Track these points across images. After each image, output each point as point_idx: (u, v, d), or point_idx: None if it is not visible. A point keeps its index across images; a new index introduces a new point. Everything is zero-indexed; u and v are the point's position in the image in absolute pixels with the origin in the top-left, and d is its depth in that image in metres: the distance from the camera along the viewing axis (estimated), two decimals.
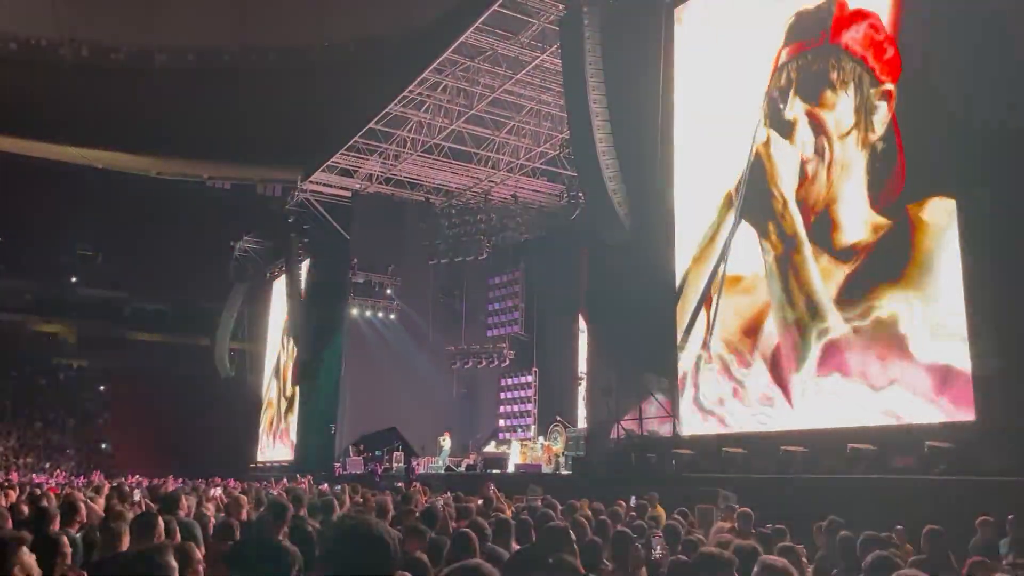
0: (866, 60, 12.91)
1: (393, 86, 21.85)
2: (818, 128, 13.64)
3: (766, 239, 13.87)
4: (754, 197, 14.33)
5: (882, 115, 12.37)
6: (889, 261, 11.60)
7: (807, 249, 13.11)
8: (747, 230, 14.30)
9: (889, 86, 12.36)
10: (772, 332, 13.16)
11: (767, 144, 14.38)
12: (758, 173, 14.41)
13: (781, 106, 14.33)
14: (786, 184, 13.93)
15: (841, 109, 13.23)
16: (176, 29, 35.30)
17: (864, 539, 5.39)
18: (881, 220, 11.92)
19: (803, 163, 13.75)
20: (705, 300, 14.55)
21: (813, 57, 13.84)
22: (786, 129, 14.14)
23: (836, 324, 12.08)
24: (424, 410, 25.12)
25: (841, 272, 12.41)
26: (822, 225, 12.95)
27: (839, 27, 13.55)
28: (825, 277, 12.66)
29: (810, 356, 12.34)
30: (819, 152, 13.54)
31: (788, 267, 13.35)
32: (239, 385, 36.94)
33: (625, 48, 15.88)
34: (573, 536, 4.63)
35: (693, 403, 14.40)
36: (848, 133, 13.00)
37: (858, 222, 12.33)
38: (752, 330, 13.54)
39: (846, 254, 12.37)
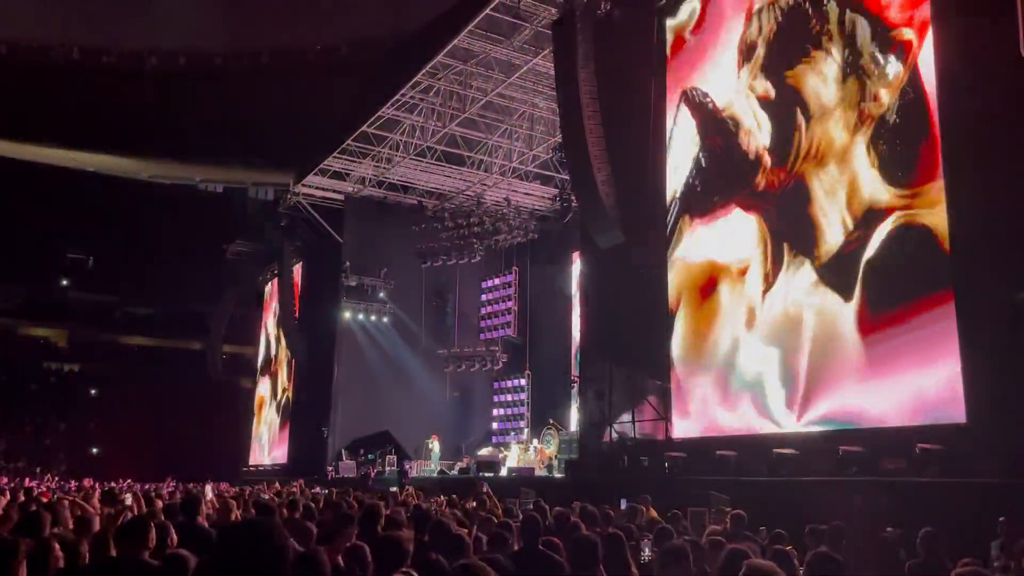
0: (868, 2, 11.09)
1: (386, 89, 21.84)
2: (791, 98, 12.46)
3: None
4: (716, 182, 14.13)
5: (893, 76, 10.81)
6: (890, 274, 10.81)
7: (779, 257, 12.58)
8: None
9: (909, 33, 10.62)
10: (757, 336, 13.13)
11: (728, 120, 13.74)
12: (717, 156, 14.14)
13: (746, 67, 13.28)
14: (745, 171, 13.35)
15: (825, 71, 11.72)
16: (167, 31, 35.22)
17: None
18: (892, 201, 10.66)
19: (766, 148, 13.01)
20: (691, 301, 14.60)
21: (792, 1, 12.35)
22: (751, 99, 13.35)
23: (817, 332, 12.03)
24: (417, 413, 25.09)
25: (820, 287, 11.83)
26: (799, 229, 12.24)
27: None
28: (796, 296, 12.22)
29: (798, 364, 12.34)
30: (786, 134, 12.55)
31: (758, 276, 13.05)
32: (231, 389, 36.82)
33: (617, 51, 15.90)
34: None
35: (686, 405, 14.41)
36: (831, 107, 11.64)
37: (850, 224, 11.38)
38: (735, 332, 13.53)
39: (831, 266, 11.66)
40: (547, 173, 24.68)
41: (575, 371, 23.01)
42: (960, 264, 10.12)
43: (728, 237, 13.81)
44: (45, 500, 9.37)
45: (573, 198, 20.84)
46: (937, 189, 10.36)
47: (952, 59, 10.50)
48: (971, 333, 9.86)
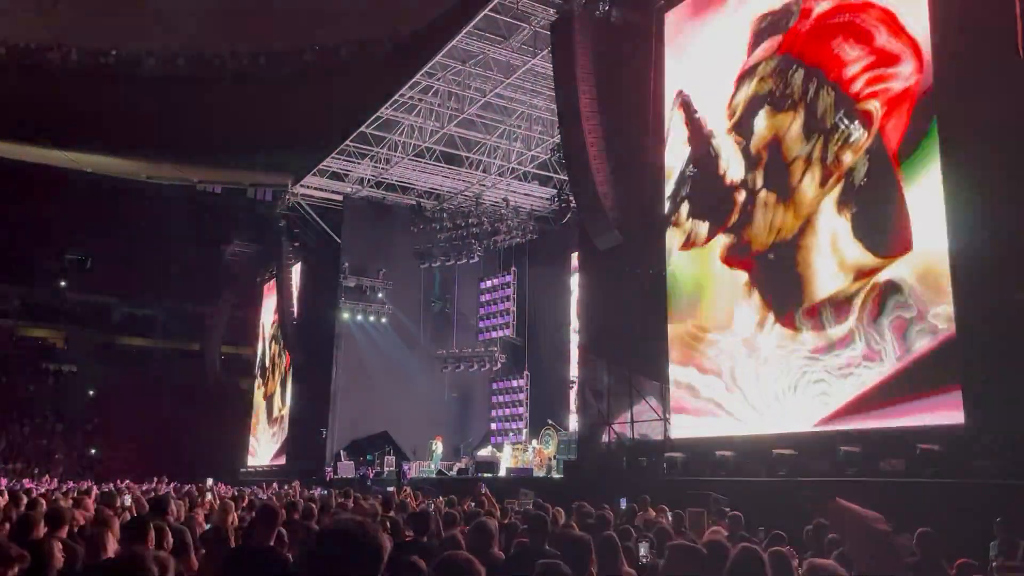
0: (829, 72, 12.01)
1: (384, 90, 21.85)
2: (759, 158, 13.18)
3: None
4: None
5: (857, 135, 11.56)
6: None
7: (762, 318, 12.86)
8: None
9: (871, 104, 11.42)
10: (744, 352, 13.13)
11: (711, 142, 14.24)
12: (701, 171, 14.54)
13: (725, 130, 14.01)
14: (723, 201, 13.79)
15: (791, 135, 12.55)
16: (166, 33, 35.22)
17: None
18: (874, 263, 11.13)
19: (740, 186, 13.48)
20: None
21: (768, 70, 13.29)
22: (725, 157, 13.91)
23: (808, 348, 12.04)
24: (416, 414, 25.09)
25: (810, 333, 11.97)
26: (783, 278, 12.55)
27: (798, 32, 12.70)
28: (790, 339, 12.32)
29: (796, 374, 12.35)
30: (752, 189, 13.17)
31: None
32: (229, 390, 36.79)
33: (616, 52, 15.91)
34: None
35: (684, 406, 14.40)
36: (801, 166, 12.28)
37: (838, 273, 11.65)
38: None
39: (821, 317, 11.81)
40: (546, 174, 24.69)
41: (573, 372, 23.03)
42: (959, 264, 10.14)
43: (712, 288, 14.00)
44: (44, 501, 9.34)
45: (572, 199, 20.85)
46: (916, 254, 10.67)
47: (951, 59, 10.54)
48: (969, 334, 9.88)
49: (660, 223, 15.32)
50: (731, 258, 13.66)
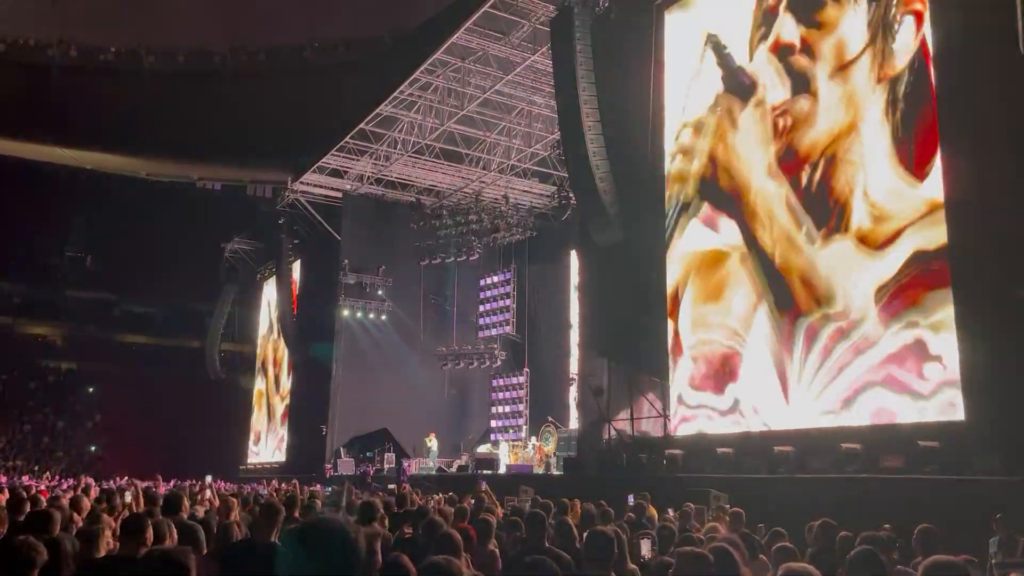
0: None
1: (384, 87, 21.83)
2: (809, 59, 12.52)
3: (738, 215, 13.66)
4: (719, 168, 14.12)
5: (905, 40, 11.05)
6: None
7: (802, 228, 12.36)
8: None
9: (917, 4, 11.01)
10: (760, 323, 13.07)
11: (748, 78, 13.71)
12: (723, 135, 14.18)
13: (762, 36, 13.41)
14: (759, 144, 13.34)
15: (846, 28, 11.90)
16: (166, 30, 35.19)
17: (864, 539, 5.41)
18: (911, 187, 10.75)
19: (782, 112, 12.93)
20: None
21: None
22: (761, 83, 13.36)
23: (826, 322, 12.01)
24: (415, 411, 25.08)
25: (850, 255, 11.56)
26: (820, 198, 12.09)
27: None
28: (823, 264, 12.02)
29: (800, 354, 12.34)
30: (804, 93, 12.50)
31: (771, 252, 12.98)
32: (229, 387, 36.80)
33: (615, 48, 15.90)
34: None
35: (685, 403, 14.41)
36: (854, 61, 11.67)
37: (879, 193, 11.19)
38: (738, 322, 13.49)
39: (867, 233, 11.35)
40: (545, 171, 24.66)
41: (573, 368, 23.02)
42: (959, 261, 10.13)
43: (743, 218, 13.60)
44: (44, 498, 9.34)
45: (571, 195, 20.83)
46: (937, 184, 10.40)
47: (951, 55, 10.53)
48: (970, 330, 9.87)
49: (660, 217, 15.31)
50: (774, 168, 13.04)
